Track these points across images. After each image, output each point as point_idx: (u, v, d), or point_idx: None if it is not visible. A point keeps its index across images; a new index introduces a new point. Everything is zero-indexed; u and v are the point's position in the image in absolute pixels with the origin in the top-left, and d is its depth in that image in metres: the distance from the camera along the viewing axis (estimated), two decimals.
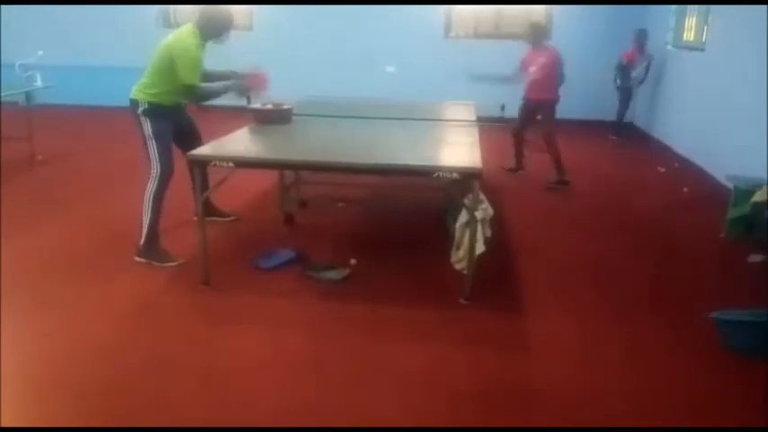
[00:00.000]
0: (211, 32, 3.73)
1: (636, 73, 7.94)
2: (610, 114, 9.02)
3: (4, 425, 2.31)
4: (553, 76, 5.63)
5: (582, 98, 8.99)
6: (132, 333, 3.04)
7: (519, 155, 6.15)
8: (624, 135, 8.21)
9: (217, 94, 3.82)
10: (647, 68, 7.97)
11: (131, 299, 3.37)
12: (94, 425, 2.36)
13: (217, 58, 3.97)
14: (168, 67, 3.63)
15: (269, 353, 2.88)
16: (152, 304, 3.34)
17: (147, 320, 3.17)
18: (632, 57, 7.89)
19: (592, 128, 8.67)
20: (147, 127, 3.70)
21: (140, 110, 3.69)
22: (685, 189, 5.76)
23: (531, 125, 5.91)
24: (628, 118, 9.07)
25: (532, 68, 5.62)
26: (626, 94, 8.18)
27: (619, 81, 8.07)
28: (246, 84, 4.00)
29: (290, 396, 2.56)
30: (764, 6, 5.17)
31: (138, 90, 3.72)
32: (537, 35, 5.72)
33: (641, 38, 7.89)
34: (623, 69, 7.95)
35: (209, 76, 3.98)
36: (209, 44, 3.81)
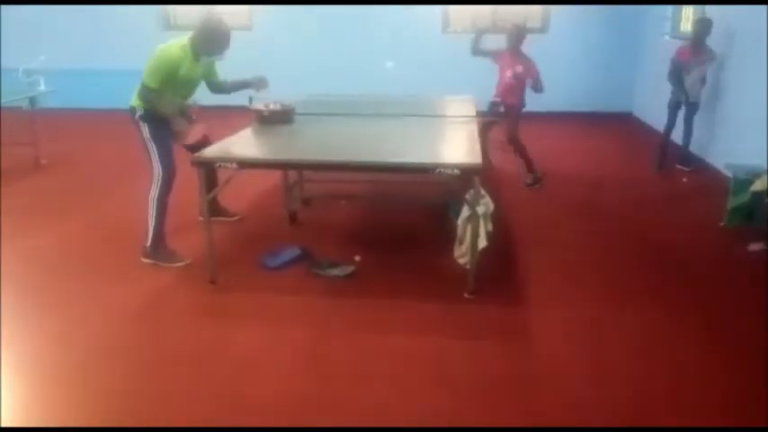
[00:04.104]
0: (206, 48, 3.73)
1: (691, 80, 5.86)
2: (609, 106, 9.09)
3: (4, 425, 2.38)
4: (526, 85, 5.59)
5: (581, 91, 9.07)
6: (140, 332, 3.10)
7: (528, 161, 5.76)
8: (690, 164, 6.09)
9: (165, 114, 3.69)
10: (704, 78, 5.92)
11: (139, 299, 3.43)
12: (101, 423, 2.42)
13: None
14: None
15: (276, 349, 2.94)
16: (160, 304, 3.40)
17: (156, 320, 3.23)
18: (687, 56, 5.86)
19: (593, 120, 8.72)
20: (145, 131, 3.75)
21: (137, 115, 3.75)
22: (685, 179, 5.80)
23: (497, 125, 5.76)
24: (625, 108, 9.08)
25: (509, 73, 5.54)
26: (675, 109, 6.07)
27: (671, 92, 6.06)
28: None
29: (297, 391, 2.61)
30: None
31: (135, 97, 3.77)
32: (519, 38, 5.60)
33: (702, 30, 5.78)
34: (675, 74, 5.92)
35: (221, 86, 4.12)
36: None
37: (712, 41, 5.81)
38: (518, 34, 5.60)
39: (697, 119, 6.02)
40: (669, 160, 6.06)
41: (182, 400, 2.56)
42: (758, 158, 4.67)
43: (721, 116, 6.09)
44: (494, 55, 5.68)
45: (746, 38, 5.59)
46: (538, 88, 5.56)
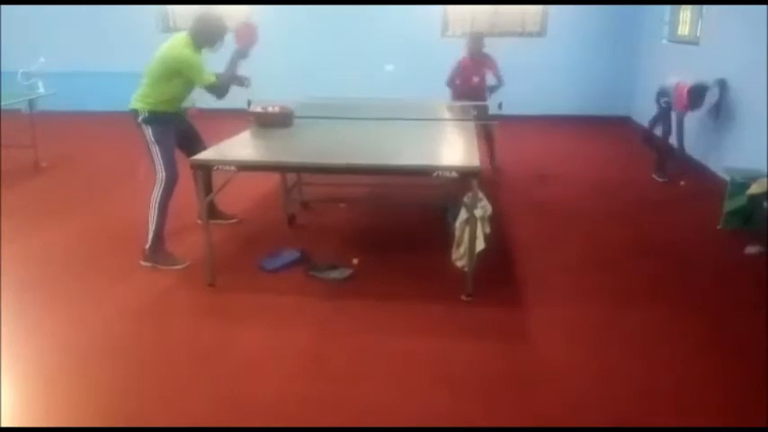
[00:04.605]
0: (205, 41, 3.77)
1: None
2: (607, 110, 9.11)
3: (4, 425, 2.38)
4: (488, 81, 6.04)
5: (579, 95, 9.11)
6: (140, 333, 3.11)
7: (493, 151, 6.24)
8: (679, 167, 5.96)
9: (232, 77, 3.89)
10: (719, 105, 5.83)
11: (139, 300, 3.43)
12: (102, 423, 2.42)
13: (217, 61, 4.00)
14: (164, 77, 3.71)
15: (277, 350, 2.94)
16: (159, 306, 3.40)
17: (156, 320, 3.24)
18: (685, 105, 5.70)
19: (591, 124, 8.75)
20: (149, 133, 3.77)
21: (140, 118, 3.76)
22: (682, 182, 5.81)
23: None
24: (623, 112, 9.10)
25: (475, 79, 5.94)
26: (667, 115, 5.95)
27: (662, 102, 5.94)
28: (238, 41, 3.91)
29: (297, 391, 2.61)
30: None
31: (137, 99, 3.79)
32: (478, 45, 5.95)
33: (698, 93, 5.66)
34: (668, 103, 5.86)
35: None
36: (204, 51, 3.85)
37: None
38: (477, 41, 6.00)
39: (697, 122, 6.05)
40: (670, 164, 6.01)
41: (182, 400, 2.56)
42: (757, 163, 4.69)
43: (721, 119, 6.09)
44: (458, 67, 6.02)
45: (746, 44, 5.62)
46: (499, 82, 5.95)
